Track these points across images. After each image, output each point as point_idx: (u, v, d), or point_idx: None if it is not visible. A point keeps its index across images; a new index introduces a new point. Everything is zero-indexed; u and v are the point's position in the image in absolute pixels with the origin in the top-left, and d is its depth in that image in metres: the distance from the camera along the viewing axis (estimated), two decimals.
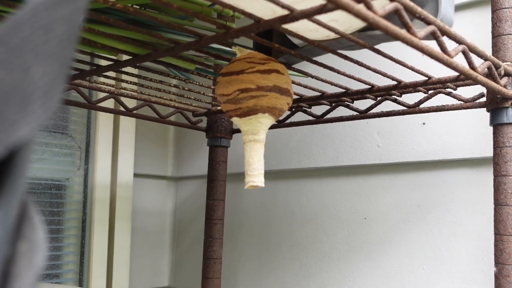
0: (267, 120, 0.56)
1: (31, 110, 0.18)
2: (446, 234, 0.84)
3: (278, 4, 0.44)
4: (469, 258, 0.82)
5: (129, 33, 0.60)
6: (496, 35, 0.63)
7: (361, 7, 0.39)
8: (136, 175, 1.20)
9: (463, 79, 0.65)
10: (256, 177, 0.55)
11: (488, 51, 0.65)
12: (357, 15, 0.39)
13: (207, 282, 0.93)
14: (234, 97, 0.55)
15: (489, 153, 0.79)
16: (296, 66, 0.71)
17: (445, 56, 0.49)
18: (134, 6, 0.61)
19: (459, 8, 0.85)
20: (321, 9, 0.41)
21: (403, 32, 0.44)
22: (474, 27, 0.84)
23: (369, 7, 0.40)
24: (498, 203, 0.61)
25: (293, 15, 0.45)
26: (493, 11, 0.63)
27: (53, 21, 0.18)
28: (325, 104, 0.82)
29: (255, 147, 0.56)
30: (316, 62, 0.62)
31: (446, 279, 0.84)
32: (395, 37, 0.43)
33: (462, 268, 0.82)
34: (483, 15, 0.83)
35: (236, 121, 0.57)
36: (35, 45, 0.18)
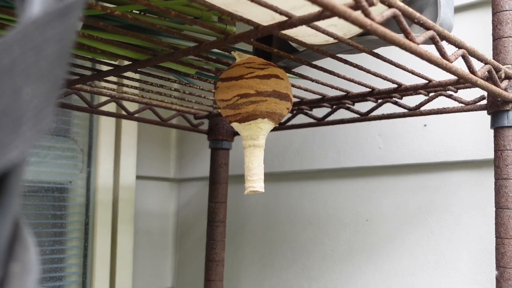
0: (267, 125, 0.56)
1: (22, 132, 0.18)
2: (447, 236, 0.84)
3: (276, 10, 0.44)
4: (471, 260, 0.82)
5: (129, 39, 0.60)
6: (497, 38, 0.63)
7: (358, 14, 0.39)
8: (138, 177, 1.20)
9: (464, 82, 0.65)
10: (256, 182, 0.55)
11: (488, 52, 0.65)
12: (355, 22, 0.39)
13: (210, 285, 0.93)
14: (234, 102, 0.55)
15: (491, 155, 0.79)
16: (296, 69, 0.71)
17: (444, 61, 0.49)
18: (133, 11, 0.61)
19: (459, 9, 0.85)
20: (319, 16, 0.41)
21: (401, 38, 0.44)
22: (475, 28, 0.83)
23: (366, 14, 0.39)
24: (499, 207, 0.61)
25: (292, 21, 0.45)
26: (493, 14, 0.63)
27: (43, 41, 0.18)
28: (326, 106, 0.82)
29: (254, 152, 0.56)
30: (316, 66, 0.62)
31: (448, 281, 0.83)
32: (393, 43, 0.43)
33: (464, 270, 0.82)
34: (484, 16, 0.83)
35: (236, 127, 0.57)
36: (25, 66, 0.18)
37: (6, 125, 0.17)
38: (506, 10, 0.62)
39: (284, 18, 0.47)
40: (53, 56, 0.19)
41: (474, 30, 0.84)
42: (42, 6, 0.19)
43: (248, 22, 0.48)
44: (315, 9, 0.42)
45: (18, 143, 0.18)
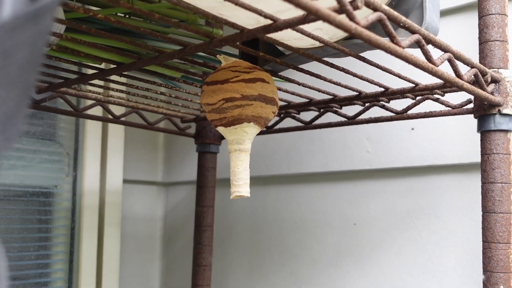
0: (253, 129, 0.56)
1: None
2: (435, 240, 0.84)
3: (260, 14, 0.43)
4: (458, 264, 0.81)
5: (113, 42, 0.60)
6: (483, 41, 0.63)
7: (343, 18, 0.38)
8: (125, 181, 1.19)
9: (450, 86, 0.65)
10: (241, 187, 0.54)
11: (474, 55, 0.65)
12: (339, 26, 0.38)
13: None
14: (219, 106, 0.55)
15: (478, 158, 0.79)
16: (283, 73, 0.70)
17: (430, 65, 0.48)
18: (117, 14, 0.61)
19: (445, 13, 0.85)
20: (304, 20, 0.41)
21: (386, 42, 0.43)
22: (460, 32, 0.84)
23: (351, 17, 0.39)
24: (486, 210, 0.61)
25: (277, 25, 0.44)
26: (480, 17, 0.63)
27: (13, 46, 0.18)
28: (313, 110, 0.82)
29: (240, 156, 0.55)
30: (302, 70, 0.61)
31: (435, 285, 0.83)
32: (378, 47, 0.43)
33: (452, 274, 0.82)
34: (469, 20, 0.83)
35: (221, 131, 0.56)
36: None
37: None
38: (492, 14, 0.62)
39: (269, 22, 0.46)
40: (23, 61, 0.18)
41: (459, 34, 0.84)
42: (12, 10, 0.18)
43: (233, 25, 0.47)
44: (300, 12, 0.42)
45: None
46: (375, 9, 0.42)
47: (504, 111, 0.61)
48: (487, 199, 0.61)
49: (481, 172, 0.62)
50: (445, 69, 0.67)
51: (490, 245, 0.60)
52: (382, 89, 0.71)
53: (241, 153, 0.55)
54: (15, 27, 0.18)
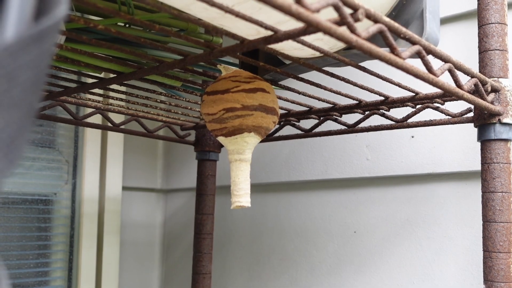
0: (253, 139, 0.55)
1: None
2: (435, 248, 0.84)
3: (261, 25, 0.43)
4: (458, 272, 0.81)
5: (113, 51, 0.60)
6: (483, 51, 0.63)
7: (344, 30, 0.39)
8: (125, 188, 1.19)
9: (450, 95, 0.65)
10: (242, 197, 0.54)
11: (472, 64, 0.65)
12: (340, 38, 0.38)
13: None
14: (219, 116, 0.55)
15: (478, 167, 0.79)
16: (283, 81, 0.70)
17: (431, 76, 0.48)
18: (117, 23, 0.61)
19: (443, 21, 0.85)
20: (304, 31, 0.41)
21: (387, 53, 0.43)
22: (459, 40, 0.84)
23: (352, 30, 0.39)
24: (486, 220, 0.61)
25: (277, 36, 0.44)
26: (479, 26, 0.63)
27: (16, 68, 0.18)
28: (313, 118, 0.82)
29: (241, 166, 0.55)
30: (302, 79, 0.61)
31: None
32: (379, 58, 0.43)
33: (452, 283, 0.82)
34: (468, 29, 0.83)
35: (222, 141, 0.56)
36: None
37: None
38: (492, 23, 0.62)
39: (269, 33, 0.47)
40: (27, 83, 0.18)
41: (458, 42, 0.84)
42: (15, 31, 0.18)
43: (233, 36, 0.47)
44: (301, 23, 0.42)
45: None
46: (375, 20, 0.42)
47: (504, 120, 0.61)
48: (487, 209, 0.61)
49: (481, 181, 0.62)
50: (445, 79, 0.67)
51: (490, 254, 0.60)
52: (382, 98, 0.71)
53: (242, 163, 0.55)
54: (19, 49, 0.18)
